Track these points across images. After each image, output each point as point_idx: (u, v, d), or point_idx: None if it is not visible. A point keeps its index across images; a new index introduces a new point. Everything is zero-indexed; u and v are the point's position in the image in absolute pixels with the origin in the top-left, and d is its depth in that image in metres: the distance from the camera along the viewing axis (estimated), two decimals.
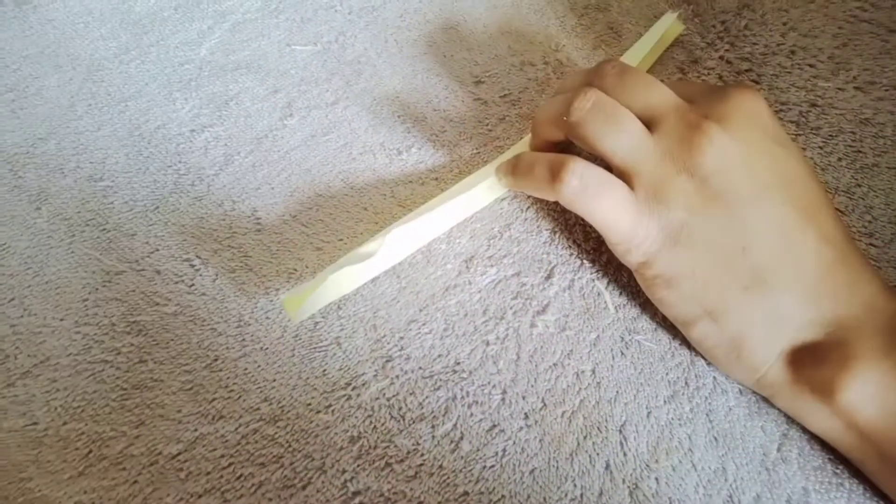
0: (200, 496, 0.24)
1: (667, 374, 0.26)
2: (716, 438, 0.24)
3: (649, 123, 0.25)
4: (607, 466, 0.24)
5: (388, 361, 0.26)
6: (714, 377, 0.26)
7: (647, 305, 0.27)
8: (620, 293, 0.28)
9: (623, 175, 0.25)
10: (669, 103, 0.25)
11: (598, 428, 0.25)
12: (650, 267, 0.24)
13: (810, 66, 0.34)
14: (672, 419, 0.25)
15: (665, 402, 0.25)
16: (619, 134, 0.25)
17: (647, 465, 0.24)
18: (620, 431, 0.25)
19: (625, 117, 0.25)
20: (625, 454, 0.24)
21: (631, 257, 0.25)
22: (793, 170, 0.24)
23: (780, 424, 0.24)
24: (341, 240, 0.30)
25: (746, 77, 0.34)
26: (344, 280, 0.26)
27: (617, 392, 0.25)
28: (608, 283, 0.28)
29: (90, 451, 0.25)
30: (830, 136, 0.31)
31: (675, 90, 0.26)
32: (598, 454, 0.24)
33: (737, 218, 0.23)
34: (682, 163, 0.24)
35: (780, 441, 0.24)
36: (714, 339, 0.24)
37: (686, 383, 0.26)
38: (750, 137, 0.24)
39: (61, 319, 0.28)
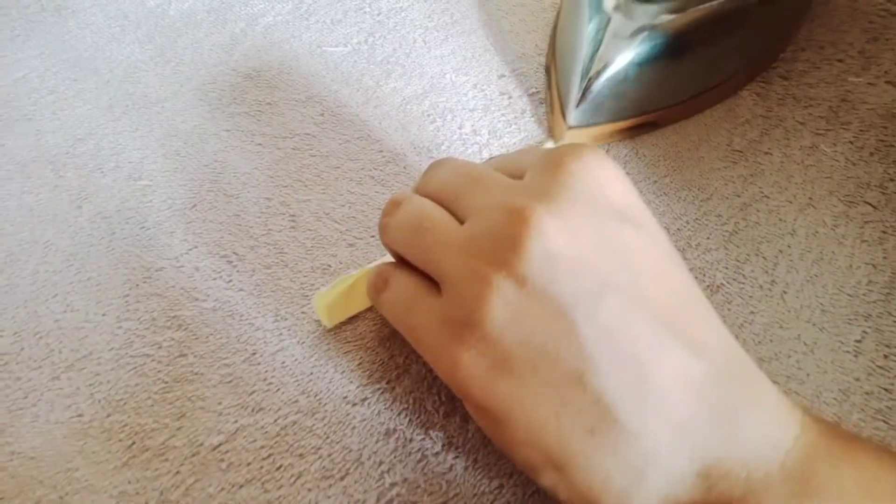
0: (241, 486, 0.24)
1: None
2: None
3: (465, 219, 0.20)
4: None
5: None
6: None
7: None
8: None
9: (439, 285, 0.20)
10: (486, 188, 0.21)
11: None
12: (472, 399, 0.19)
13: (839, 61, 0.34)
14: None
15: None
16: (422, 240, 0.21)
17: None
18: None
19: (427, 220, 0.21)
20: None
21: (452, 384, 0.19)
22: (647, 257, 0.19)
23: None
24: (373, 236, 0.30)
25: (774, 73, 0.34)
26: None
27: None
28: None
29: (133, 443, 0.25)
30: (861, 131, 0.31)
31: (505, 166, 0.22)
32: None
33: (570, 332, 0.17)
34: (500, 261, 0.18)
35: None
36: (566, 493, 0.18)
37: None
38: (584, 218, 0.18)
39: (103, 315, 0.28)
